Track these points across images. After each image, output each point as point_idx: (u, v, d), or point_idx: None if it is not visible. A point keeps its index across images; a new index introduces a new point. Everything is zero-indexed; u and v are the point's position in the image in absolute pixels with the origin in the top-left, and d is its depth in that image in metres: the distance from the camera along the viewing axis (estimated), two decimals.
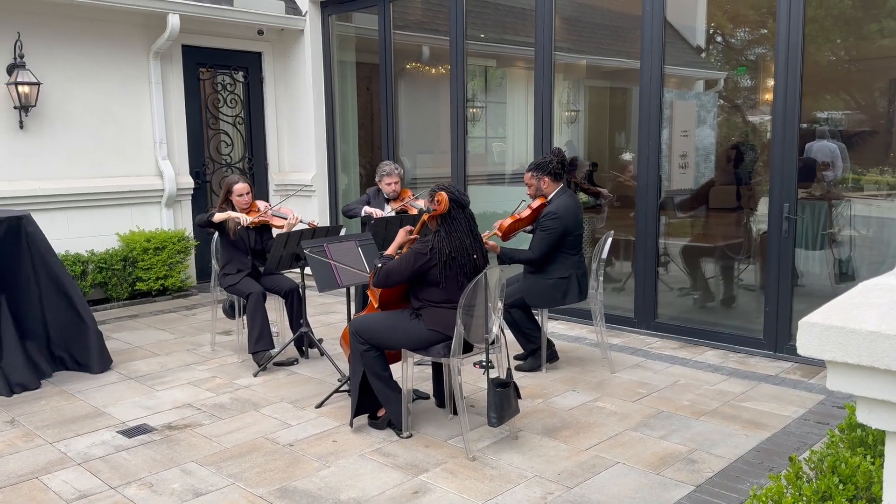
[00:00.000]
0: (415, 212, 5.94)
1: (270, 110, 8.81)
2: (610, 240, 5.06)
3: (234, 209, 5.37)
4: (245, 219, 5.24)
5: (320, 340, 5.42)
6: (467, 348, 3.87)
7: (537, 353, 5.00)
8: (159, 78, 7.71)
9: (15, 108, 6.74)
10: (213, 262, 5.67)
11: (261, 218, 5.34)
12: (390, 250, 3.96)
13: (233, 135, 8.63)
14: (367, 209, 5.98)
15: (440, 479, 3.53)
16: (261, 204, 5.48)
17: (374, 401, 4.09)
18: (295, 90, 8.65)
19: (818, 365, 5.12)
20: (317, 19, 8.46)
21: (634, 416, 4.29)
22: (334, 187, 8.74)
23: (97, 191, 7.34)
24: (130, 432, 4.16)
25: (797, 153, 5.23)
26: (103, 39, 7.34)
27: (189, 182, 8.06)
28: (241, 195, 5.37)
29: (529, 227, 5.07)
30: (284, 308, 5.49)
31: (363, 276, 4.55)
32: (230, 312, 5.68)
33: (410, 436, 4.01)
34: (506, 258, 4.92)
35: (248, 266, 5.40)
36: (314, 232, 5.10)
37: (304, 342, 5.34)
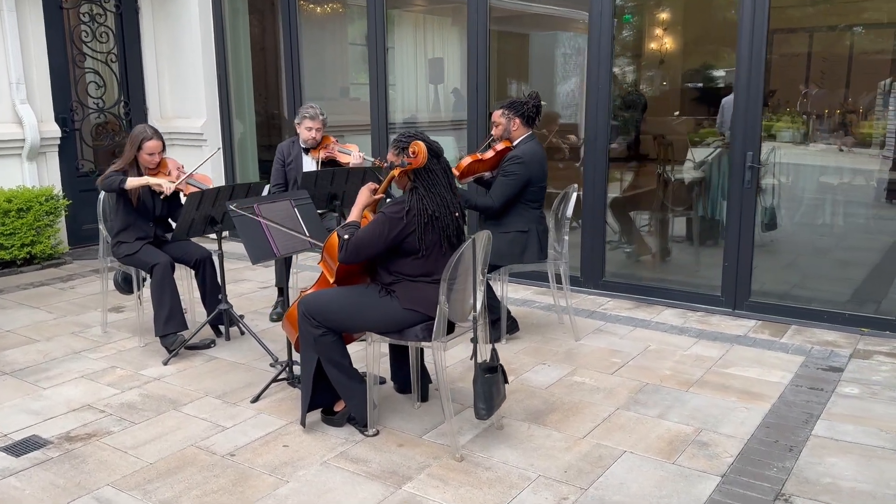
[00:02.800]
0: (347, 160, 5.18)
1: (149, 46, 7.63)
2: (574, 195, 4.54)
3: (139, 168, 4.42)
4: (167, 185, 4.32)
5: (241, 316, 4.62)
6: (449, 329, 3.24)
7: (497, 323, 4.45)
8: (12, 5, 6.40)
9: None
10: (101, 226, 4.70)
11: (180, 186, 4.43)
12: (353, 215, 3.24)
13: (105, 74, 7.41)
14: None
15: (430, 489, 2.92)
16: (171, 163, 4.54)
17: (329, 393, 3.41)
18: (177, 22, 7.51)
19: (781, 322, 4.89)
20: None
21: (619, 391, 3.85)
22: (229, 136, 7.74)
23: None
24: (17, 448, 3.28)
25: (762, 100, 4.88)
26: None
27: (55, 130, 6.85)
28: (151, 154, 4.41)
29: (488, 174, 4.49)
30: (194, 280, 4.63)
31: (303, 242, 3.81)
32: (124, 286, 4.74)
33: (377, 433, 3.37)
34: (462, 203, 4.31)
35: (149, 233, 4.49)
36: (233, 190, 4.26)
37: (225, 320, 4.52)
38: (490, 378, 3.17)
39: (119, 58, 7.46)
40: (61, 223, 6.80)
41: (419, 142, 3.07)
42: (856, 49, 7.31)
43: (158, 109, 7.79)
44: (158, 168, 4.48)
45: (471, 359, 3.19)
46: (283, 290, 5.14)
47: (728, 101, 7.85)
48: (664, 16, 6.96)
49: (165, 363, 4.25)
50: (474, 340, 3.17)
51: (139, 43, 7.59)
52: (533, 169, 4.32)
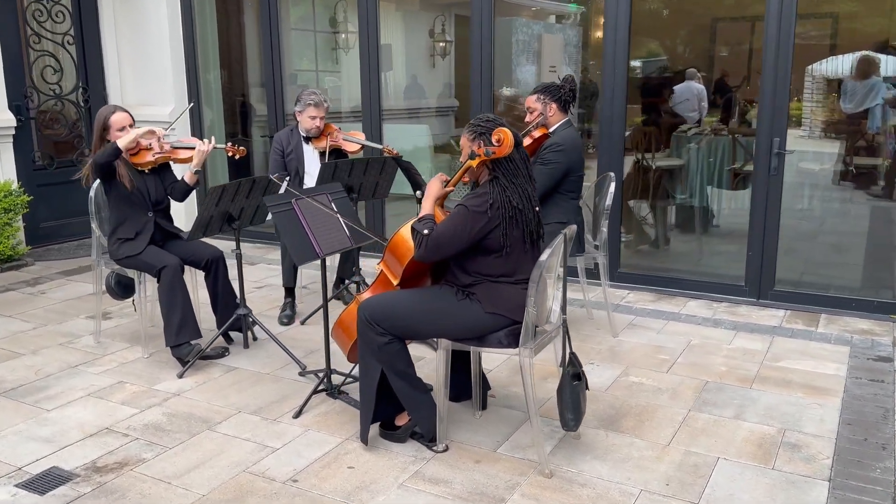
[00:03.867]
0: (355, 148, 4.82)
1: (108, 27, 7.03)
2: (613, 183, 4.32)
3: None
4: (157, 137, 3.90)
5: (253, 322, 4.22)
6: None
7: None
8: None
9: None
10: (93, 224, 4.22)
11: (162, 154, 4.00)
12: (426, 208, 2.91)
13: (62, 58, 6.79)
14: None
15: None
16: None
17: (390, 406, 3.10)
18: (141, 2, 6.93)
19: (810, 311, 4.80)
20: None
21: (683, 391, 3.65)
22: (199, 124, 7.22)
23: None
24: (38, 484, 2.84)
25: (789, 85, 4.75)
26: None
27: (8, 119, 6.22)
28: (121, 129, 3.95)
29: None
30: (203, 282, 4.20)
31: (345, 241, 3.46)
32: (118, 291, 4.24)
33: (446, 448, 3.07)
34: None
35: (150, 226, 4.03)
36: (253, 183, 3.86)
37: (244, 326, 4.12)
38: (577, 386, 2.92)
39: (77, 40, 6.84)
40: (19, 222, 6.19)
41: (504, 128, 2.77)
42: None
43: (120, 96, 7.19)
44: (138, 147, 4.01)
45: (560, 366, 2.93)
46: (291, 290, 4.78)
47: (680, 88, 7.85)
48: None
49: (181, 376, 3.83)
50: (564, 345, 2.91)
51: (98, 24, 6.98)
52: (572, 157, 4.07)
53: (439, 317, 2.88)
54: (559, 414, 2.93)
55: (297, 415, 3.38)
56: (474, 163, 2.81)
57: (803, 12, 5.62)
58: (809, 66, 8.75)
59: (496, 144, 2.77)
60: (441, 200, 2.99)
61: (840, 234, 5.75)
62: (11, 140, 6.30)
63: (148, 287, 4.20)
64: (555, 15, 11.80)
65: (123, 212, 4.00)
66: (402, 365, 2.98)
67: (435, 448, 3.06)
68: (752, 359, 4.06)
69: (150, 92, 7.14)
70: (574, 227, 2.98)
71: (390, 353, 2.94)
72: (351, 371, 3.64)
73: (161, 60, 6.99)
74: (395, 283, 3.02)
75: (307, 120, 4.79)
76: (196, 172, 4.03)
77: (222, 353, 4.08)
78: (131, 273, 4.11)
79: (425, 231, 2.75)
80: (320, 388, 3.53)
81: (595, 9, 10.23)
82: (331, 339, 3.30)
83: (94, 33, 6.94)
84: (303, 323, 4.62)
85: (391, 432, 3.15)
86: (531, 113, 4.20)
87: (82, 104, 6.97)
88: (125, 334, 4.48)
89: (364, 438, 3.07)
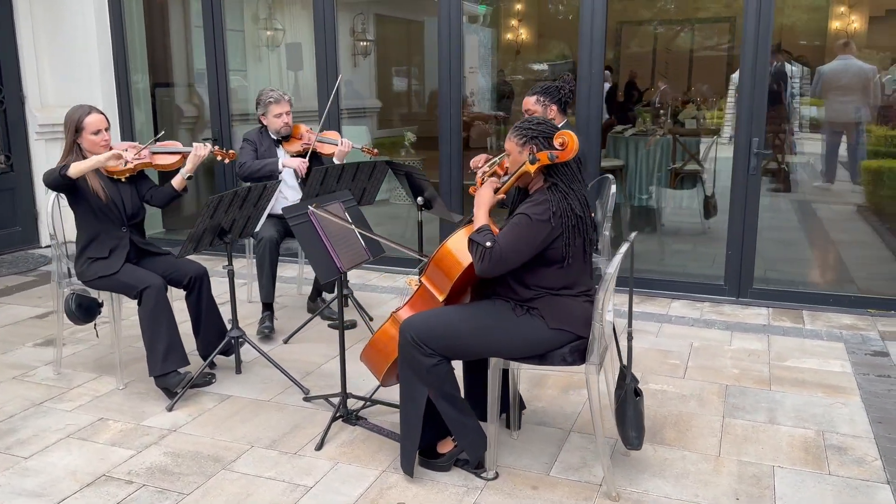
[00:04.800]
0: (333, 150, 4.51)
1: (25, 24, 6.36)
2: (613, 186, 4.22)
3: (82, 155, 3.53)
4: (126, 159, 3.48)
5: (241, 342, 3.86)
6: None
7: None
8: None
9: None
10: (52, 242, 3.74)
11: (141, 161, 3.59)
12: (481, 218, 2.67)
13: None
14: (287, 161, 4.42)
15: None
16: (119, 145, 3.69)
17: (431, 432, 2.86)
18: None
19: (791, 308, 4.88)
20: None
21: (708, 397, 3.58)
22: (130, 126, 6.66)
23: None
24: None
25: (767, 85, 4.80)
26: None
27: None
28: (96, 132, 3.53)
29: None
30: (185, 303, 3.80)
31: (362, 255, 3.19)
32: (79, 315, 3.75)
33: (496, 476, 2.86)
34: (509, 201, 3.87)
35: (125, 242, 3.61)
36: (248, 193, 3.51)
37: (236, 349, 3.74)
38: (639, 402, 2.78)
39: None
40: None
41: (569, 132, 2.58)
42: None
43: (39, 97, 6.54)
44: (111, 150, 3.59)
45: (624, 382, 2.77)
46: (270, 305, 4.43)
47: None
48: (519, 6, 6.81)
49: (170, 409, 3.43)
50: (624, 361, 2.76)
51: (11, 17, 6.31)
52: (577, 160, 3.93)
53: (498, 334, 2.66)
54: (621, 432, 2.78)
55: (320, 446, 3.07)
56: (533, 168, 2.61)
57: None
58: (733, 75, 9.15)
59: (559, 148, 2.58)
60: (492, 209, 2.77)
61: (780, 231, 5.95)
62: None
63: (113, 308, 3.75)
64: (466, 16, 11.75)
65: (93, 227, 3.56)
66: (449, 387, 2.75)
67: (484, 475, 2.84)
68: (758, 359, 4.05)
69: (71, 93, 6.50)
70: (634, 233, 2.83)
71: (438, 376, 2.71)
72: (371, 395, 3.37)
73: (85, 60, 6.41)
74: (440, 298, 2.77)
75: (274, 120, 4.47)
76: (188, 178, 3.64)
77: (209, 380, 3.70)
78: (95, 294, 3.67)
79: (487, 244, 2.52)
80: (338, 414, 3.24)
81: (504, 11, 10.32)
82: (361, 361, 3.01)
83: (7, 30, 6.27)
84: (286, 342, 4.29)
85: (433, 460, 2.90)
86: (529, 115, 4.03)
87: None
88: (87, 363, 4.01)
89: (409, 470, 2.81)
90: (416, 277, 3.02)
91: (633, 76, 9.28)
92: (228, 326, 3.76)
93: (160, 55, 7.55)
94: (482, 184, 3.76)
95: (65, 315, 3.77)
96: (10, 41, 6.30)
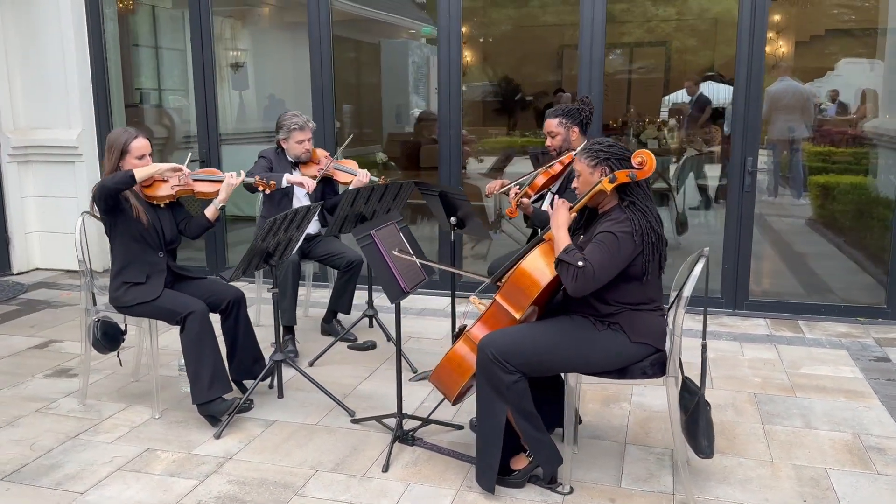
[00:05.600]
0: (350, 179, 4.52)
1: None
2: None
3: None
4: (177, 176, 3.42)
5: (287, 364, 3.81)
6: None
7: None
8: None
9: None
10: (83, 265, 3.61)
11: (182, 187, 3.53)
12: (565, 238, 2.72)
13: None
14: (290, 177, 4.38)
15: None
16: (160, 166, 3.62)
17: (505, 449, 2.89)
18: (35, 13, 6.12)
19: (787, 318, 5.11)
20: None
21: (741, 405, 3.73)
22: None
23: None
24: None
25: (761, 106, 5.05)
26: None
27: None
28: (141, 156, 3.46)
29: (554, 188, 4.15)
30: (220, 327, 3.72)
31: (420, 275, 3.21)
32: (105, 343, 3.65)
33: (572, 490, 2.91)
34: (538, 221, 3.96)
35: (161, 267, 3.53)
36: (295, 215, 3.48)
37: (278, 373, 3.68)
38: (709, 411, 2.88)
39: None
40: None
41: (647, 151, 2.68)
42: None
43: (11, 119, 6.29)
44: (152, 178, 3.54)
45: (697, 391, 2.87)
46: (292, 328, 4.38)
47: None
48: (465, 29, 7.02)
49: (218, 436, 3.35)
50: (702, 370, 2.87)
51: None
52: None
53: (581, 350, 2.73)
54: (693, 442, 2.87)
55: (386, 468, 3.06)
56: (611, 186, 2.70)
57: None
58: (665, 97, 9.64)
59: (638, 167, 2.68)
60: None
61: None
62: None
63: (136, 335, 3.65)
64: (424, 39, 11.96)
65: (130, 251, 3.47)
66: (527, 404, 2.79)
67: (560, 490, 2.89)
68: (773, 368, 4.23)
69: (46, 114, 6.31)
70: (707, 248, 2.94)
71: (518, 392, 2.75)
72: (429, 416, 3.38)
73: (62, 79, 6.20)
74: (518, 316, 2.82)
75: (295, 146, 4.47)
76: (221, 208, 3.58)
77: (249, 405, 3.63)
78: (117, 319, 3.58)
79: (580, 263, 2.59)
80: (398, 434, 3.23)
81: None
82: (431, 383, 3.02)
83: None
84: (311, 364, 4.24)
85: (506, 477, 2.93)
86: (553, 137, 4.12)
87: None
88: (110, 393, 3.88)
89: (490, 487, 2.84)
90: (476, 296, 3.07)
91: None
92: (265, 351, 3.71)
93: (128, 75, 7.38)
94: (517, 206, 3.87)
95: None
96: None
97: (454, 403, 3.02)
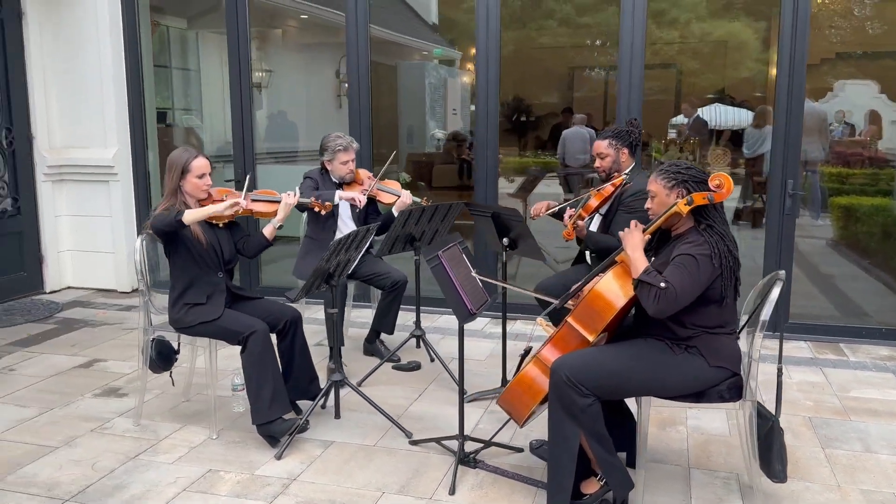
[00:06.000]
0: (392, 200, 4.54)
1: (36, 60, 6.18)
2: None
3: (184, 198, 3.48)
4: (232, 204, 3.43)
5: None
6: None
7: None
8: None
9: None
10: (142, 285, 3.62)
11: (249, 205, 3.57)
12: (642, 260, 2.73)
13: None
14: (342, 193, 4.40)
15: None
16: (216, 191, 3.65)
17: (576, 473, 2.88)
18: (74, 32, 6.19)
19: (828, 341, 5.10)
20: None
21: (798, 429, 3.71)
22: (144, 169, 6.49)
23: None
24: None
25: (801, 127, 5.08)
26: None
27: None
28: (201, 176, 3.49)
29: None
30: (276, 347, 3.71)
31: (483, 296, 3.22)
32: (159, 363, 3.67)
33: None
34: (591, 243, 3.97)
35: (221, 287, 3.54)
36: (355, 237, 3.49)
37: (336, 393, 3.68)
38: (781, 435, 2.88)
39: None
40: None
41: (725, 174, 2.70)
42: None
43: (47, 138, 6.32)
44: (210, 198, 3.57)
45: (770, 416, 2.87)
46: (339, 349, 4.37)
47: (569, 133, 8.31)
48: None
49: (279, 457, 3.35)
50: (777, 395, 2.87)
51: (23, 56, 6.11)
52: None
53: (657, 373, 2.73)
54: (767, 466, 2.86)
55: (453, 491, 3.05)
56: (687, 209, 2.72)
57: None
58: (672, 119, 9.68)
59: (716, 189, 2.70)
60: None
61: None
62: None
63: (188, 355, 3.65)
64: (437, 60, 12.07)
65: (190, 272, 3.48)
66: (601, 427, 2.79)
67: None
68: (823, 391, 4.22)
69: (81, 133, 6.35)
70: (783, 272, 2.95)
71: (592, 416, 2.75)
72: (492, 438, 3.37)
73: (99, 98, 6.23)
74: (591, 339, 2.82)
75: (340, 167, 4.49)
76: (279, 227, 3.60)
77: (306, 425, 3.62)
78: (171, 339, 3.59)
79: (662, 284, 2.59)
80: (461, 456, 3.22)
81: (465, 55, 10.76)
82: (499, 405, 3.02)
83: (18, 67, 6.07)
84: (359, 385, 4.23)
85: (577, 502, 2.92)
86: (602, 159, 4.14)
87: (6, 146, 6.05)
88: (163, 413, 3.87)
89: None
90: (543, 318, 3.08)
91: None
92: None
93: (160, 94, 7.44)
94: (573, 228, 3.87)
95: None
96: (21, 79, 6.10)
97: (522, 426, 3.01)
